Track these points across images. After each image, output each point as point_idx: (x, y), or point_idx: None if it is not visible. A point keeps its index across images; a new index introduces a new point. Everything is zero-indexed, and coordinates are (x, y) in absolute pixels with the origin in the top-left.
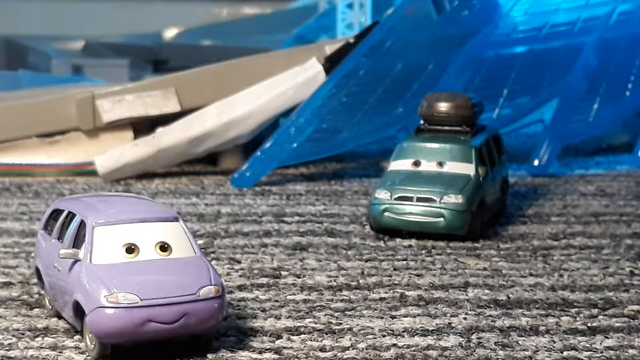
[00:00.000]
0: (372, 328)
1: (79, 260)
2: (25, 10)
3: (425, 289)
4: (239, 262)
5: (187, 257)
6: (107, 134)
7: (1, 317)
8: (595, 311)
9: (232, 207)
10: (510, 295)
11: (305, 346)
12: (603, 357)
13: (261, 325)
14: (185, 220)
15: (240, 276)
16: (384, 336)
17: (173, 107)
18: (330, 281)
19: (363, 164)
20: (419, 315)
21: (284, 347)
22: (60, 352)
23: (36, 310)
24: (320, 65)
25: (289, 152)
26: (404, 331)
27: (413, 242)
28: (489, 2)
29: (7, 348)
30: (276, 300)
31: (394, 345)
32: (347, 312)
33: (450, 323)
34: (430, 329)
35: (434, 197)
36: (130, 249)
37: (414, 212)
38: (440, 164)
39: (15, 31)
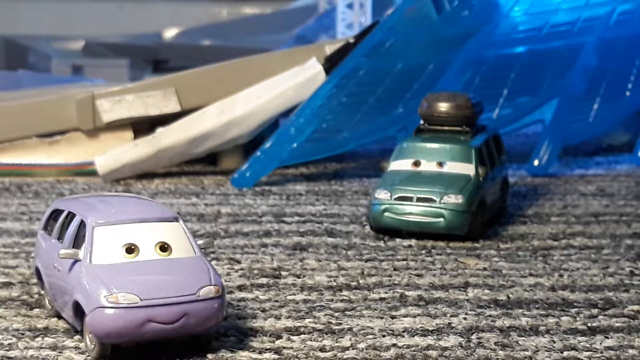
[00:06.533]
0: (372, 328)
1: (79, 260)
2: (25, 10)
3: (425, 289)
4: (239, 262)
5: (187, 257)
6: (107, 134)
7: (1, 317)
8: (595, 311)
9: (232, 207)
10: (510, 295)
11: (305, 346)
12: (603, 357)
13: (261, 325)
14: (185, 220)
15: (240, 276)
16: (384, 336)
17: (173, 107)
18: (330, 281)
19: (363, 164)
20: (419, 315)
21: (284, 347)
22: (60, 352)
23: (36, 310)
24: (320, 65)
25: (289, 152)
26: (404, 331)
27: (413, 242)
28: (489, 2)
29: (7, 348)
30: (276, 300)
31: (394, 345)
32: (347, 312)
33: (450, 323)
34: (430, 329)
35: (434, 197)
36: (130, 249)
37: (414, 212)
38: (440, 164)
39: (15, 31)
